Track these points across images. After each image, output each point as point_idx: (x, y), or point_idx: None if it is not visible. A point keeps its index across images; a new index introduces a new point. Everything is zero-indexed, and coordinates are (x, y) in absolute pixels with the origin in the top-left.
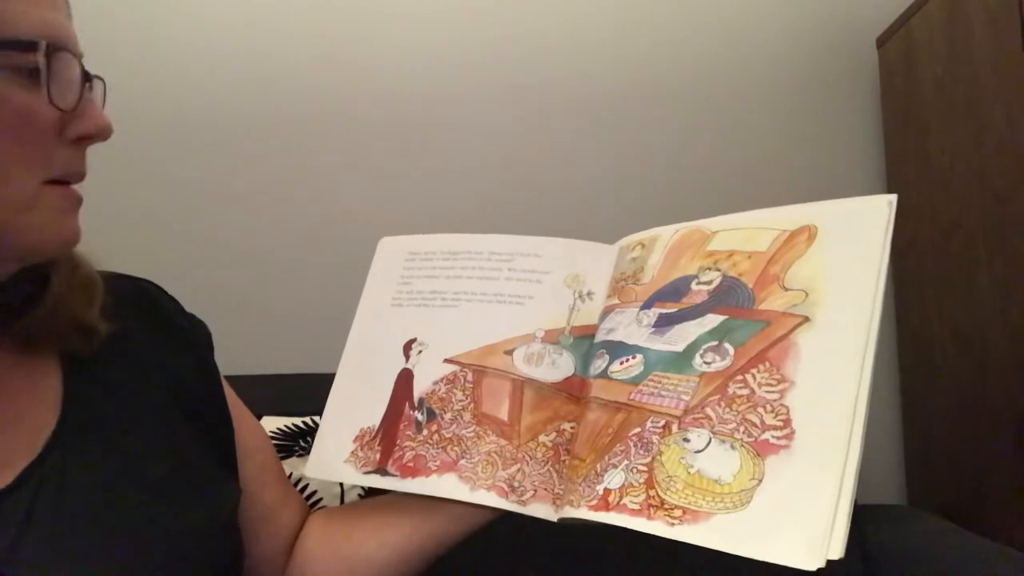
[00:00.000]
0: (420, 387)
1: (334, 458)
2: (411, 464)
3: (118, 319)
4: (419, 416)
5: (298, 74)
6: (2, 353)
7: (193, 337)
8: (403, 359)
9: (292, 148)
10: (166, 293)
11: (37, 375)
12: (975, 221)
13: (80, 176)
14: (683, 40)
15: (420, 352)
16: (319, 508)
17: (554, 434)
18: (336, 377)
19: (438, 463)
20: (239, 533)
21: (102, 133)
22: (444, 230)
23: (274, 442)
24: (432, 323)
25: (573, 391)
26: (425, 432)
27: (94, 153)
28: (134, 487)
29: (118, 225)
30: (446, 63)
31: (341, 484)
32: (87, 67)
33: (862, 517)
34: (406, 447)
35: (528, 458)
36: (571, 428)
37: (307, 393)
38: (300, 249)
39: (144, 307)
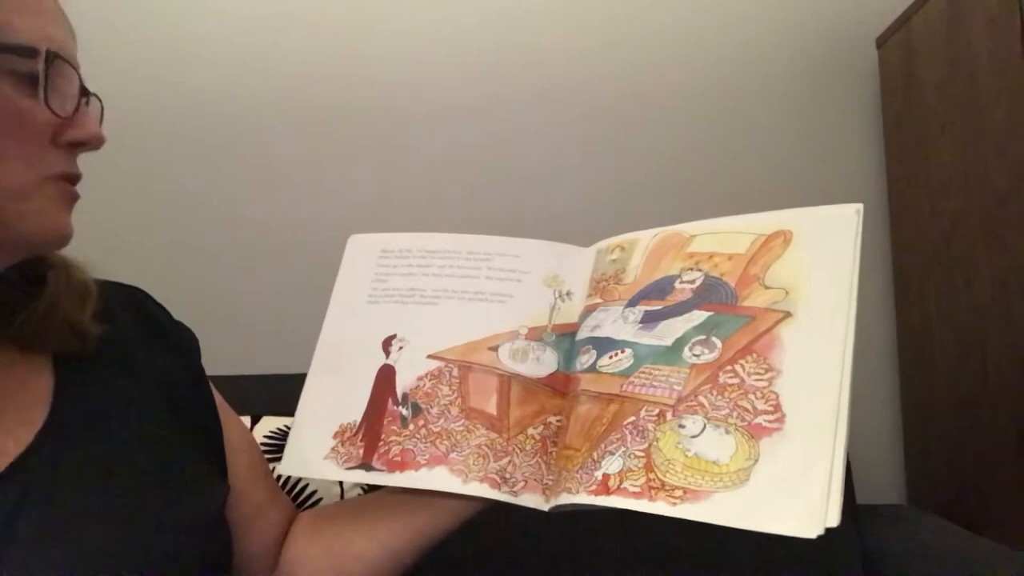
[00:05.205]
0: (403, 383)
1: (313, 455)
2: (398, 459)
3: (110, 322)
4: (404, 411)
5: (281, 77)
6: None
7: (182, 342)
8: (383, 355)
9: (282, 148)
10: (155, 301)
11: (30, 373)
12: (975, 221)
13: (75, 178)
14: (682, 40)
15: (401, 348)
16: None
17: (541, 427)
18: (309, 375)
19: (428, 456)
20: (228, 528)
21: (94, 140)
22: (420, 230)
23: (273, 442)
24: (412, 320)
25: (557, 386)
26: (412, 427)
27: (83, 161)
28: (125, 477)
29: (113, 229)
30: (424, 63)
31: (341, 483)
32: (89, 87)
33: (862, 517)
34: (391, 442)
35: (518, 450)
36: (557, 421)
37: None
38: (301, 249)
39: (135, 312)
